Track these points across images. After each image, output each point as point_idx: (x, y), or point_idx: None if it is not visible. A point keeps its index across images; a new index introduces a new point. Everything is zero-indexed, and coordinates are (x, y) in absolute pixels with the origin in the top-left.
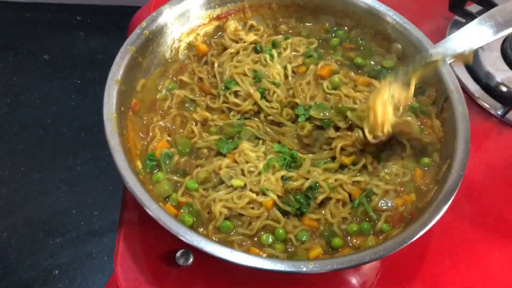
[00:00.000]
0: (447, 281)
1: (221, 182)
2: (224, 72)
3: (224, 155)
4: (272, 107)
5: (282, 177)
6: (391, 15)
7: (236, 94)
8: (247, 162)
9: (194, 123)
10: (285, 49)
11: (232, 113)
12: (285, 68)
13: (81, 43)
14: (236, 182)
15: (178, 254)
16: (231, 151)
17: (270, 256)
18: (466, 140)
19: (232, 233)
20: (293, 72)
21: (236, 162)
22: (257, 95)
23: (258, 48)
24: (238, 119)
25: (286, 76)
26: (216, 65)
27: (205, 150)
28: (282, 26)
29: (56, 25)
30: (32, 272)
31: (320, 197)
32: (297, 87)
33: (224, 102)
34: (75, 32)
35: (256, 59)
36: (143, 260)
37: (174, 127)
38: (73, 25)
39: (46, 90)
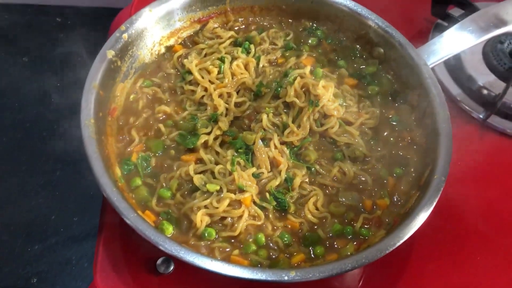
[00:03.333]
0: (430, 285)
1: (195, 187)
2: (185, 65)
3: (193, 150)
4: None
5: (252, 174)
6: (373, 19)
7: (190, 83)
8: (216, 163)
9: (160, 121)
10: (261, 43)
11: (188, 103)
12: (258, 59)
13: (61, 45)
14: (212, 186)
15: (159, 261)
16: (196, 145)
17: (254, 263)
18: (448, 146)
19: (214, 240)
20: (271, 63)
21: (200, 160)
22: (205, 82)
23: (239, 41)
24: (195, 110)
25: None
26: (184, 60)
27: (172, 151)
28: (252, 26)
29: (35, 27)
30: (10, 280)
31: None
32: (267, 73)
33: (182, 93)
34: (55, 34)
35: (230, 52)
36: (123, 267)
37: (148, 129)
38: (53, 27)
39: (25, 93)
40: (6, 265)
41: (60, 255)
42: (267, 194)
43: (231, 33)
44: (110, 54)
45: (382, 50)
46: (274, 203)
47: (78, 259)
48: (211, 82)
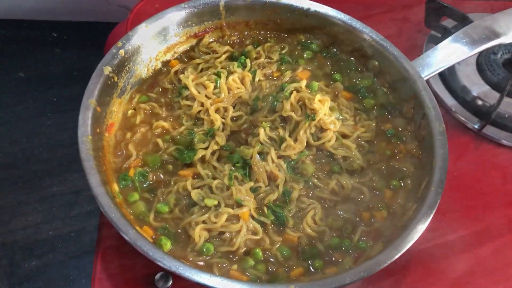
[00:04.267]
0: None
1: (192, 202)
2: (182, 80)
3: (190, 165)
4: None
5: (250, 189)
6: (368, 33)
7: (187, 98)
8: (214, 177)
9: (157, 136)
10: (256, 57)
11: (185, 118)
12: (254, 73)
13: (57, 60)
14: (210, 201)
15: (157, 276)
16: (193, 160)
17: (253, 278)
18: (444, 158)
19: (213, 255)
20: (267, 77)
21: (197, 175)
22: (202, 97)
23: (235, 55)
24: (192, 125)
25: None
26: (181, 76)
27: (169, 166)
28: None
29: (31, 42)
30: None
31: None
32: (263, 86)
33: (178, 108)
34: (50, 49)
35: (226, 66)
36: (122, 282)
37: (146, 143)
38: (48, 42)
39: (21, 109)
40: (3, 282)
41: (58, 272)
42: (265, 208)
43: (227, 47)
44: (107, 70)
45: (377, 63)
46: (272, 217)
47: (76, 275)
48: (207, 97)
